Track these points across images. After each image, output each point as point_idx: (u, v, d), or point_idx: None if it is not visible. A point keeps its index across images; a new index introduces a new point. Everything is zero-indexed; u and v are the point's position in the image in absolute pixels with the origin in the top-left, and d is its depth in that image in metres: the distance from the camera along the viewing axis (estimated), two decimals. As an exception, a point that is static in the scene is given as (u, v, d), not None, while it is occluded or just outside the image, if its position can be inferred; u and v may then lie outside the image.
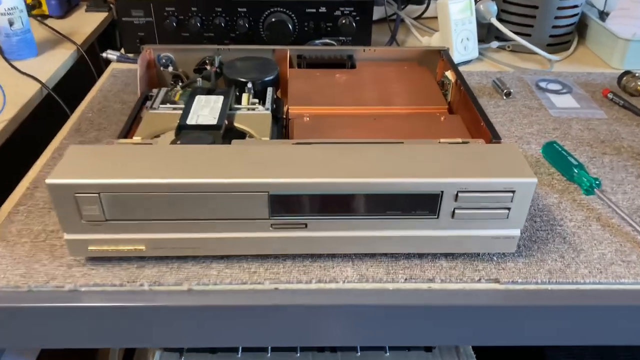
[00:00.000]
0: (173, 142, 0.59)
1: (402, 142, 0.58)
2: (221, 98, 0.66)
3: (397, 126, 0.65)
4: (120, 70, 0.98)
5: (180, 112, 0.65)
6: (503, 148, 0.56)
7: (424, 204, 0.53)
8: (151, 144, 0.57)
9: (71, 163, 0.52)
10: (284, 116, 0.71)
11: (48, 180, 0.50)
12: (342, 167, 0.52)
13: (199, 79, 0.76)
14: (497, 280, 0.56)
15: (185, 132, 0.60)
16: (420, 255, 0.58)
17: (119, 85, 0.93)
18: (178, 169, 0.51)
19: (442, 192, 0.52)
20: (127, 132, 0.63)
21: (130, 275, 0.55)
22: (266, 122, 0.64)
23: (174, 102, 0.72)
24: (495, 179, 0.52)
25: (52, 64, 0.98)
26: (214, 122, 0.62)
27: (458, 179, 0.51)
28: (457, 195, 0.52)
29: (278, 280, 0.55)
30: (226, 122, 0.62)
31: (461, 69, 0.99)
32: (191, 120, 0.62)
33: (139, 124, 0.65)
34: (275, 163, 0.53)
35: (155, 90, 0.75)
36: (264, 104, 0.69)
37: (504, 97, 0.90)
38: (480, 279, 0.56)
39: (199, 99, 0.66)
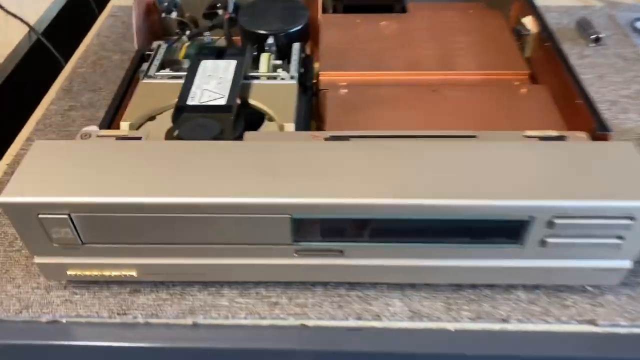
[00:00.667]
0: (169, 133, 0.45)
1: (475, 136, 0.43)
2: (233, 64, 0.51)
3: (463, 102, 0.50)
4: (122, 7, 0.83)
5: (180, 81, 0.51)
6: (615, 149, 0.40)
7: (503, 231, 0.39)
8: (140, 138, 0.43)
9: (33, 170, 0.39)
10: (315, 82, 0.56)
11: (2, 199, 0.38)
12: (391, 179, 0.38)
13: (207, 35, 0.61)
14: (593, 322, 0.42)
15: (186, 117, 0.46)
16: (491, 284, 0.45)
17: (119, 27, 0.78)
18: (172, 182, 0.38)
19: (532, 217, 0.38)
20: (114, 114, 0.49)
21: (121, 303, 0.44)
22: (291, 96, 0.49)
23: (176, 64, 0.57)
24: (606, 202, 0.37)
25: (42, 3, 0.83)
26: (222, 101, 0.47)
27: (554, 201, 0.37)
28: (551, 221, 0.38)
29: (305, 315, 0.43)
30: (238, 100, 0.48)
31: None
32: (193, 98, 0.48)
33: (131, 96, 0.52)
34: (299, 171, 0.39)
35: (156, 44, 0.61)
36: (288, 62, 0.54)
37: (592, 44, 0.72)
38: (570, 320, 0.42)
39: (205, 66, 0.51)
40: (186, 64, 0.58)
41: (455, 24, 0.60)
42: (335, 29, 0.60)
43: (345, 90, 0.51)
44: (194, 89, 0.48)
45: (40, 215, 0.38)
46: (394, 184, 0.38)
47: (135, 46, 0.61)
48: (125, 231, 0.39)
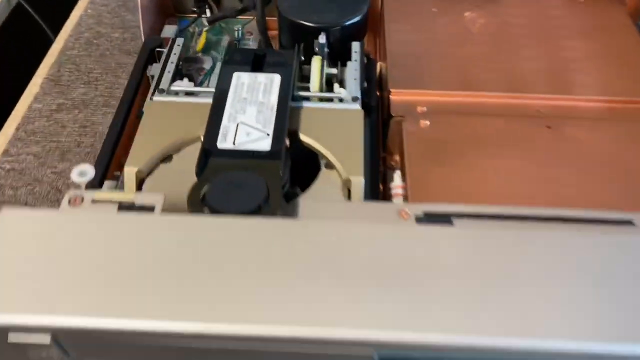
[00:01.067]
0: (195, 193, 0.32)
1: (631, 222, 0.30)
2: (277, 80, 0.37)
3: (592, 148, 0.36)
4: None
5: (206, 99, 0.37)
6: None
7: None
8: (153, 207, 0.30)
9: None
10: (379, 94, 0.42)
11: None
12: (537, 307, 0.25)
13: (237, 31, 0.46)
14: None
15: (216, 165, 0.33)
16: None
17: (120, -9, 0.63)
18: (203, 297, 0.26)
19: None
20: (111, 154, 0.36)
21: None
22: (356, 131, 0.36)
23: (192, 62, 0.44)
24: None
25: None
26: (266, 143, 0.34)
27: None
28: None
29: None
30: (287, 140, 0.35)
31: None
32: (225, 136, 0.34)
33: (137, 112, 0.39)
34: (389, 283, 0.26)
35: (168, 32, 0.47)
36: (342, 64, 0.41)
37: None
38: None
39: (238, 82, 0.37)
40: (207, 62, 0.45)
41: (563, 20, 0.46)
42: (403, 21, 0.46)
43: (427, 122, 0.38)
44: (225, 121, 0.35)
45: (10, 339, 0.26)
46: (541, 318, 0.25)
47: (142, 35, 0.47)
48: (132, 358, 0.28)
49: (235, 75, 0.38)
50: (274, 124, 0.35)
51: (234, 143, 0.34)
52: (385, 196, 0.37)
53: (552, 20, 0.46)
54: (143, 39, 0.47)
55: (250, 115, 0.35)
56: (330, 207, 0.31)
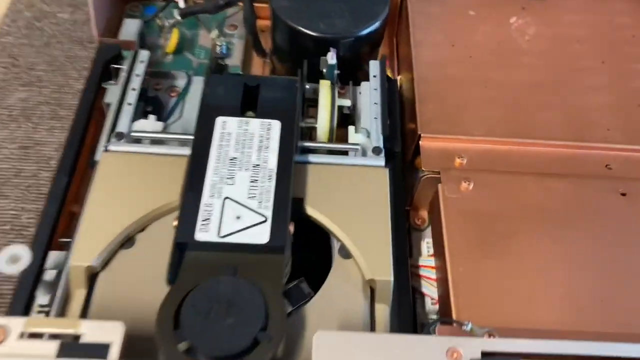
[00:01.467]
0: (163, 321, 0.23)
1: None
2: (276, 127, 0.28)
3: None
4: None
5: (180, 151, 0.28)
6: None
7: None
8: (107, 347, 0.22)
9: None
10: (404, 133, 0.33)
11: None
12: None
13: (216, 35, 0.36)
14: None
15: (194, 264, 0.24)
16: None
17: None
18: None
19: None
20: (51, 234, 0.27)
21: None
22: (381, 201, 0.27)
23: (166, 79, 0.34)
24: None
25: None
26: (264, 232, 0.25)
27: None
28: None
29: None
30: (292, 227, 0.26)
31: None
32: (206, 223, 0.25)
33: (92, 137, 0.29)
34: None
35: (128, 28, 0.37)
36: (354, 82, 0.32)
37: None
38: None
39: (223, 129, 0.28)
40: (180, 79, 0.34)
41: (634, 30, 0.36)
42: (433, 29, 0.36)
43: (470, 185, 0.29)
44: (206, 196, 0.26)
45: None
46: None
47: (93, 30, 0.36)
48: None
49: (219, 121, 0.28)
50: (274, 201, 0.26)
51: (219, 233, 0.25)
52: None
53: (619, 31, 0.36)
54: (95, 35, 0.36)
55: (241, 187, 0.26)
56: (352, 340, 0.23)
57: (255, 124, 0.28)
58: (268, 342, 0.22)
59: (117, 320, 0.23)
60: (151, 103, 0.32)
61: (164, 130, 0.31)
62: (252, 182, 0.26)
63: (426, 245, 0.31)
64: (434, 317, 0.29)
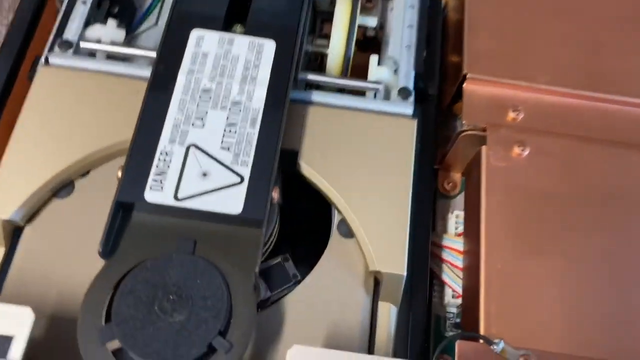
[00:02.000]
0: (94, 302, 0.17)
1: None
2: (269, 49, 0.20)
3: None
4: None
5: (144, 72, 0.21)
6: None
7: None
8: (10, 339, 0.16)
9: None
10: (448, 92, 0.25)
11: None
12: None
13: None
14: None
15: (139, 233, 0.18)
16: None
17: None
18: None
19: None
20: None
21: None
22: (402, 168, 0.20)
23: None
24: None
25: None
26: (236, 200, 0.18)
27: None
28: None
29: None
30: (275, 194, 0.19)
31: None
32: (161, 175, 0.18)
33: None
34: None
35: None
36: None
37: None
38: None
39: (198, 47, 0.20)
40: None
41: None
42: None
43: (525, 152, 0.22)
44: (164, 140, 0.19)
45: None
46: None
47: None
48: None
49: (194, 36, 0.20)
50: (255, 155, 0.19)
51: (176, 195, 0.18)
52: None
53: None
54: None
55: (213, 132, 0.19)
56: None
57: (241, 43, 0.20)
58: (226, 352, 0.16)
59: (40, 290, 0.18)
60: (118, 1, 0.25)
61: (128, 42, 0.23)
62: (228, 125, 0.19)
63: (455, 220, 0.24)
64: (454, 311, 0.23)
